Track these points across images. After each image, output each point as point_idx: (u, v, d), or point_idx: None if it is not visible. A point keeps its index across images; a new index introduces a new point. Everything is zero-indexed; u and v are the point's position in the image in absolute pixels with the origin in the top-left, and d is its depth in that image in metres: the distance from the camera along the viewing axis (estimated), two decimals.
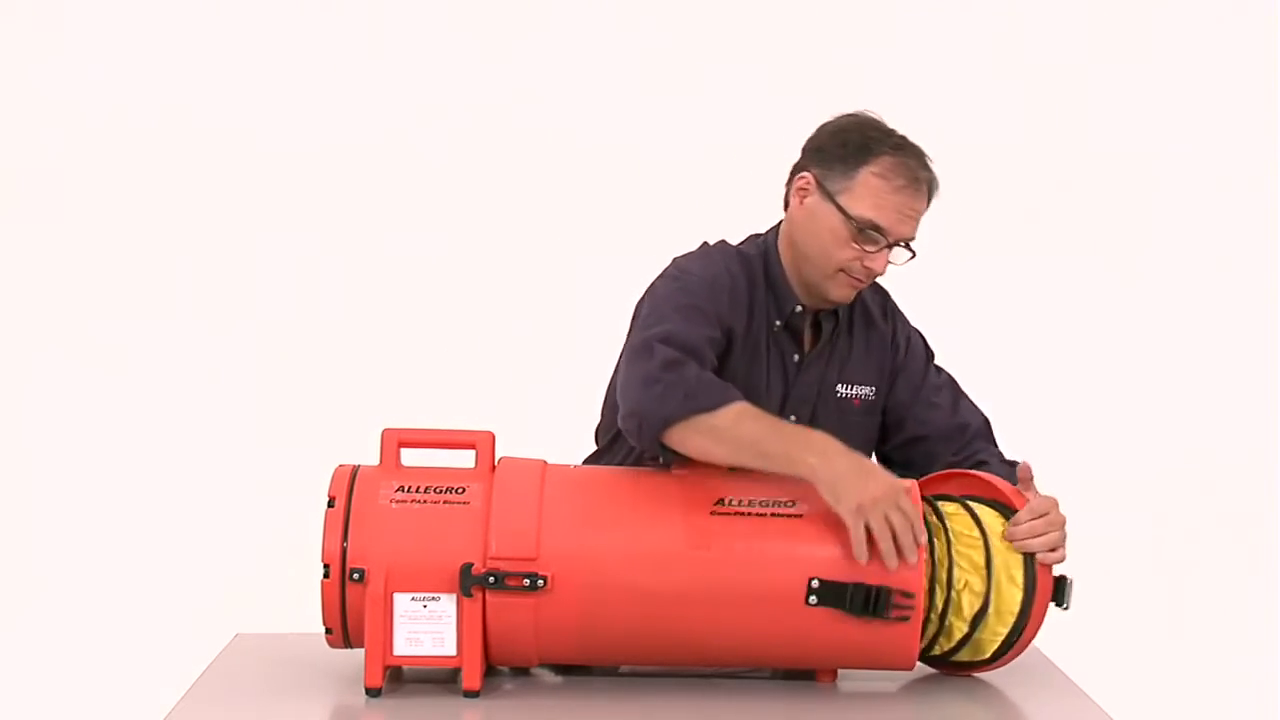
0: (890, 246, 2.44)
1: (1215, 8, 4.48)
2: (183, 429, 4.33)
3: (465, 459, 2.31)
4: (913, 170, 2.43)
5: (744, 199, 4.27)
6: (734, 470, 2.31)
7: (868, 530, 2.19)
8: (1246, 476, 4.42)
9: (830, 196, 2.44)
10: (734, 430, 2.26)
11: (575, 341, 4.32)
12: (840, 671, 2.36)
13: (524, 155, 4.38)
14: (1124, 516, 4.21)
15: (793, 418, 2.51)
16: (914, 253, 2.46)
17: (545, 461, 2.33)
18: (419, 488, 2.26)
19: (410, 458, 2.31)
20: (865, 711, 2.27)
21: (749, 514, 2.25)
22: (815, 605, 2.22)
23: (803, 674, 2.36)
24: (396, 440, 2.30)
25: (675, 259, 2.53)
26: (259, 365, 4.33)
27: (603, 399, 2.66)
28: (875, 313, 2.64)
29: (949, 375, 2.68)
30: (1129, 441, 4.43)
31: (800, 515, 2.26)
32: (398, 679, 2.33)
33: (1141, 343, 4.47)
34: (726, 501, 2.26)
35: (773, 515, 2.25)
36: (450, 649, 2.23)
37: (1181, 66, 4.49)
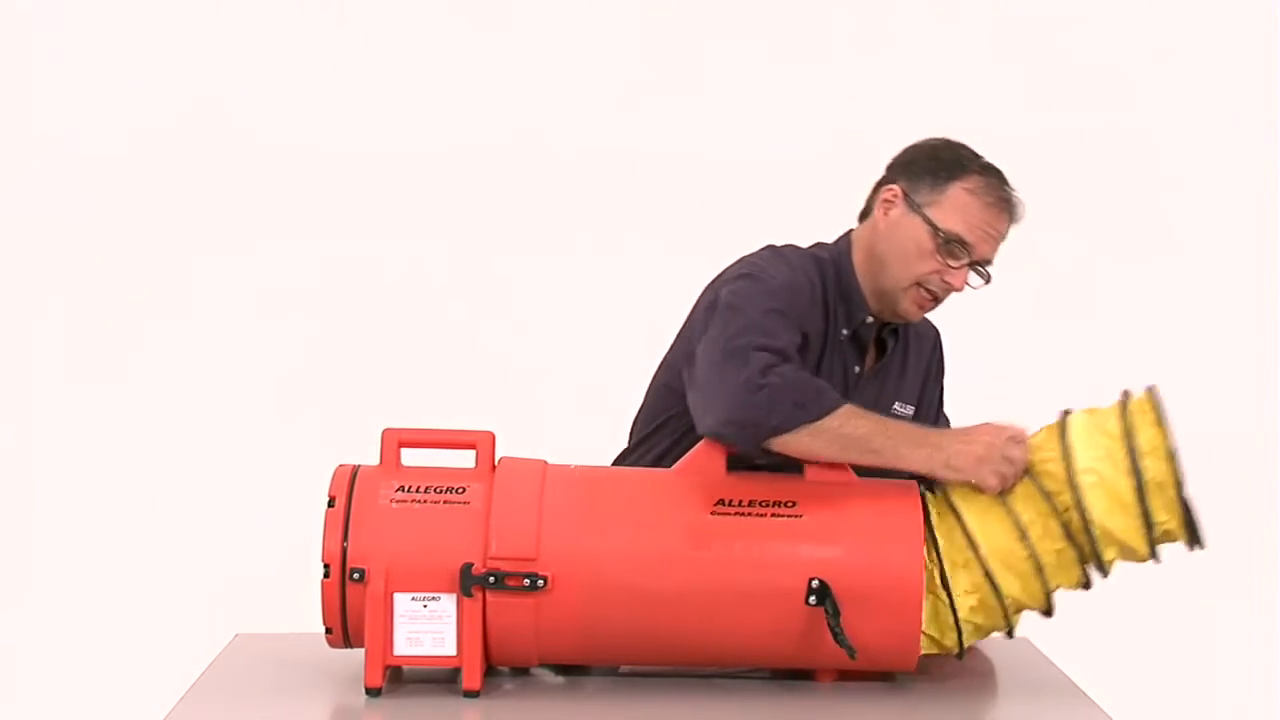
0: (971, 265, 2.45)
1: (1218, 7, 4.48)
2: (183, 429, 4.32)
3: (465, 459, 2.31)
4: (1002, 191, 2.45)
5: (745, 201, 4.30)
6: (733, 470, 2.31)
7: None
8: (1246, 476, 4.42)
9: (918, 208, 2.45)
10: (842, 430, 2.27)
11: (576, 342, 4.33)
12: (840, 671, 2.36)
13: (524, 155, 4.38)
14: None
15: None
16: (988, 279, 2.48)
17: (545, 461, 2.33)
18: (419, 488, 2.26)
19: (410, 458, 2.31)
20: (865, 711, 2.27)
21: (749, 514, 2.26)
22: (815, 605, 2.22)
23: (803, 674, 2.36)
24: (396, 440, 2.30)
25: (746, 259, 2.51)
26: (259, 365, 4.33)
27: (647, 388, 2.65)
28: (925, 330, 2.67)
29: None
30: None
31: (800, 515, 2.26)
32: (398, 679, 2.33)
33: (1140, 343, 4.47)
34: (726, 501, 2.27)
35: (773, 515, 2.26)
36: (450, 649, 2.23)
37: (1181, 66, 4.49)
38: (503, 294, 4.38)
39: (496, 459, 2.32)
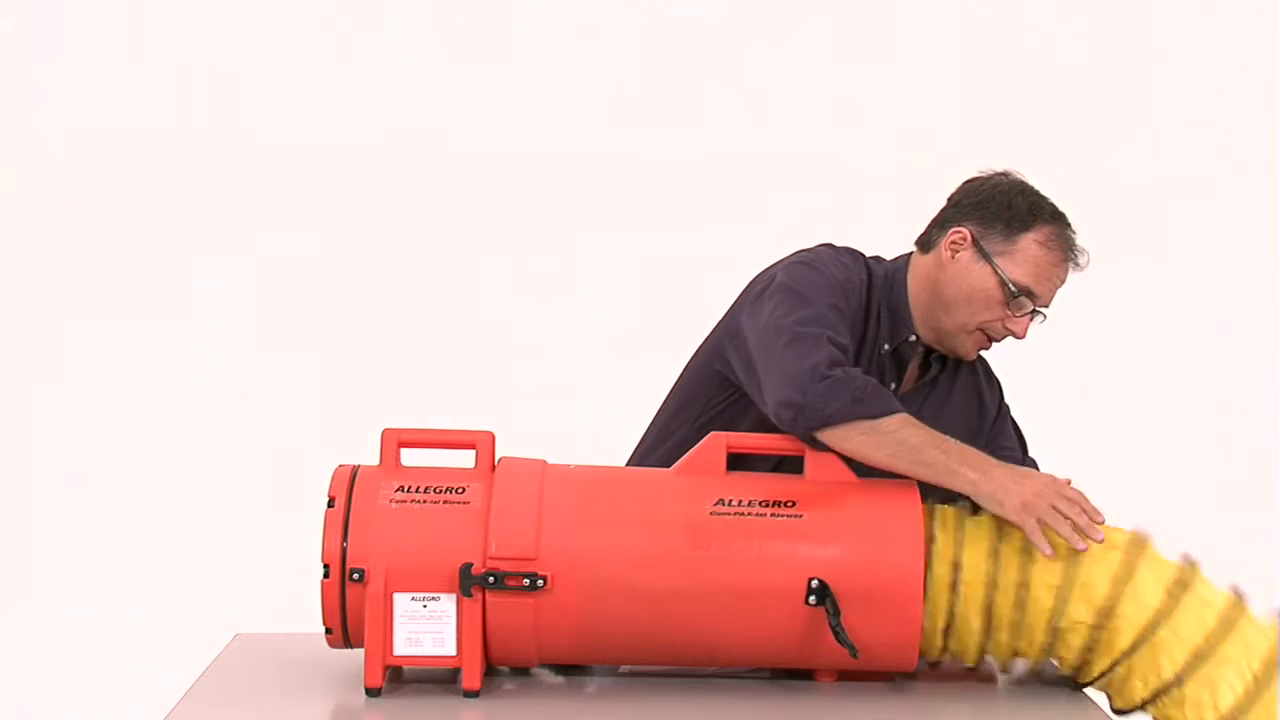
0: (1033, 313, 2.46)
1: (1217, 7, 4.48)
2: (183, 429, 4.33)
3: (465, 459, 2.31)
4: (1070, 242, 2.46)
5: (746, 203, 4.30)
6: (733, 470, 2.31)
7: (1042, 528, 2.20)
8: (1247, 477, 4.42)
9: (988, 257, 2.44)
10: (897, 435, 2.27)
11: (576, 342, 4.33)
12: (840, 672, 2.35)
13: (525, 156, 4.38)
14: (1124, 517, 4.21)
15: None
16: (1045, 317, 2.49)
17: (545, 461, 2.33)
18: (419, 488, 2.26)
19: (410, 458, 2.31)
20: (865, 711, 2.27)
21: (749, 514, 2.25)
22: (815, 605, 2.22)
23: (803, 674, 2.36)
24: (396, 440, 2.30)
25: (803, 250, 2.52)
26: (259, 365, 4.33)
27: (676, 378, 2.65)
28: (982, 376, 2.66)
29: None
30: (1128, 442, 4.43)
31: (800, 515, 2.26)
32: (398, 679, 2.33)
33: (1141, 342, 4.47)
34: (726, 501, 2.26)
35: (772, 515, 2.25)
36: (450, 649, 2.23)
37: (1182, 64, 4.49)
38: (502, 294, 4.38)
39: (496, 459, 2.32)
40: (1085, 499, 2.24)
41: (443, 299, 4.36)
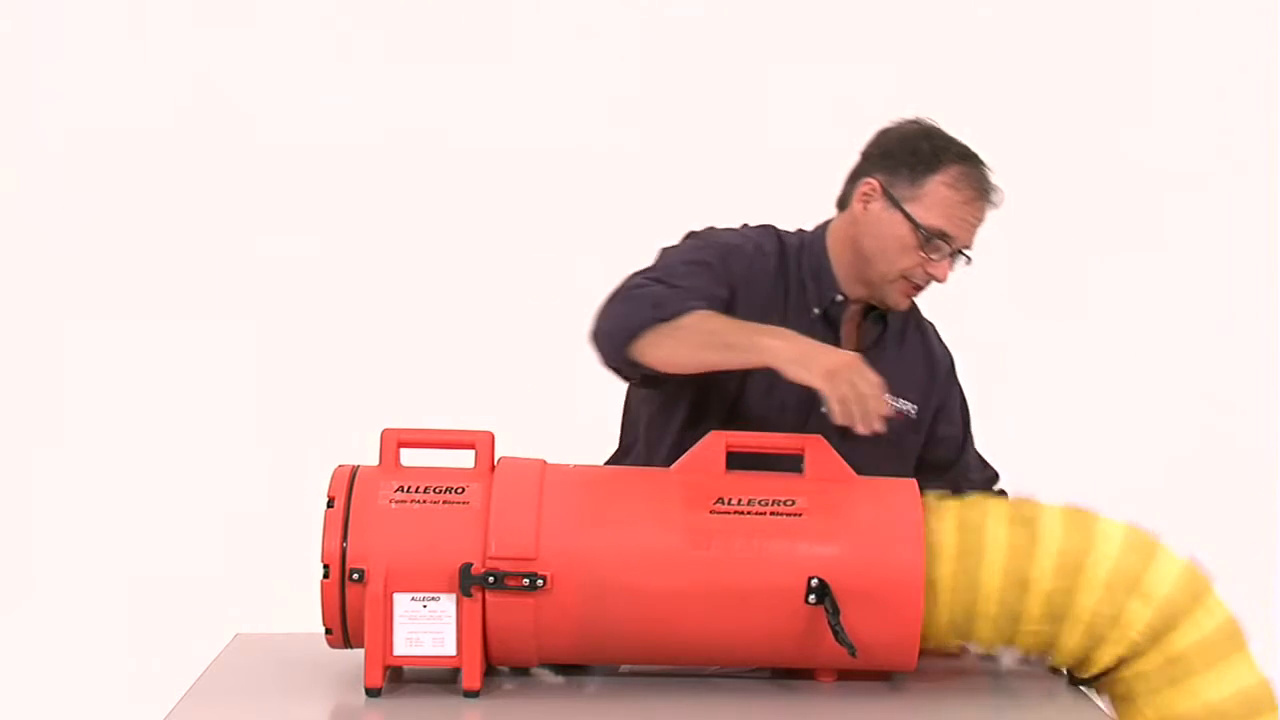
0: (954, 255, 2.45)
1: (1216, 7, 4.48)
2: (183, 429, 4.33)
3: (465, 459, 2.31)
4: (981, 181, 2.45)
5: (746, 203, 4.30)
6: (732, 469, 2.31)
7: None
8: (1248, 477, 4.42)
9: (897, 204, 2.45)
10: (698, 326, 2.29)
11: (575, 342, 4.31)
12: (840, 671, 2.35)
13: (525, 156, 4.38)
14: (1123, 517, 4.21)
15: (823, 409, 2.49)
16: (969, 261, 2.48)
17: (545, 461, 2.33)
18: (418, 488, 2.26)
19: (410, 458, 2.31)
20: (865, 711, 2.27)
21: (749, 513, 2.25)
22: (815, 604, 2.22)
23: (803, 674, 2.36)
24: (396, 440, 2.30)
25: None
26: (259, 365, 4.33)
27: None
28: (933, 338, 2.66)
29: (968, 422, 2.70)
30: (1127, 441, 4.42)
31: (799, 514, 2.26)
32: (398, 679, 2.33)
33: (1140, 343, 4.47)
34: (726, 500, 2.26)
35: (772, 515, 2.25)
36: (450, 649, 2.23)
37: (1182, 63, 4.49)
38: (502, 294, 4.38)
39: (496, 459, 2.32)
40: (881, 386, 2.22)
41: (443, 299, 4.36)
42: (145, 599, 4.26)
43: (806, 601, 2.22)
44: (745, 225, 2.59)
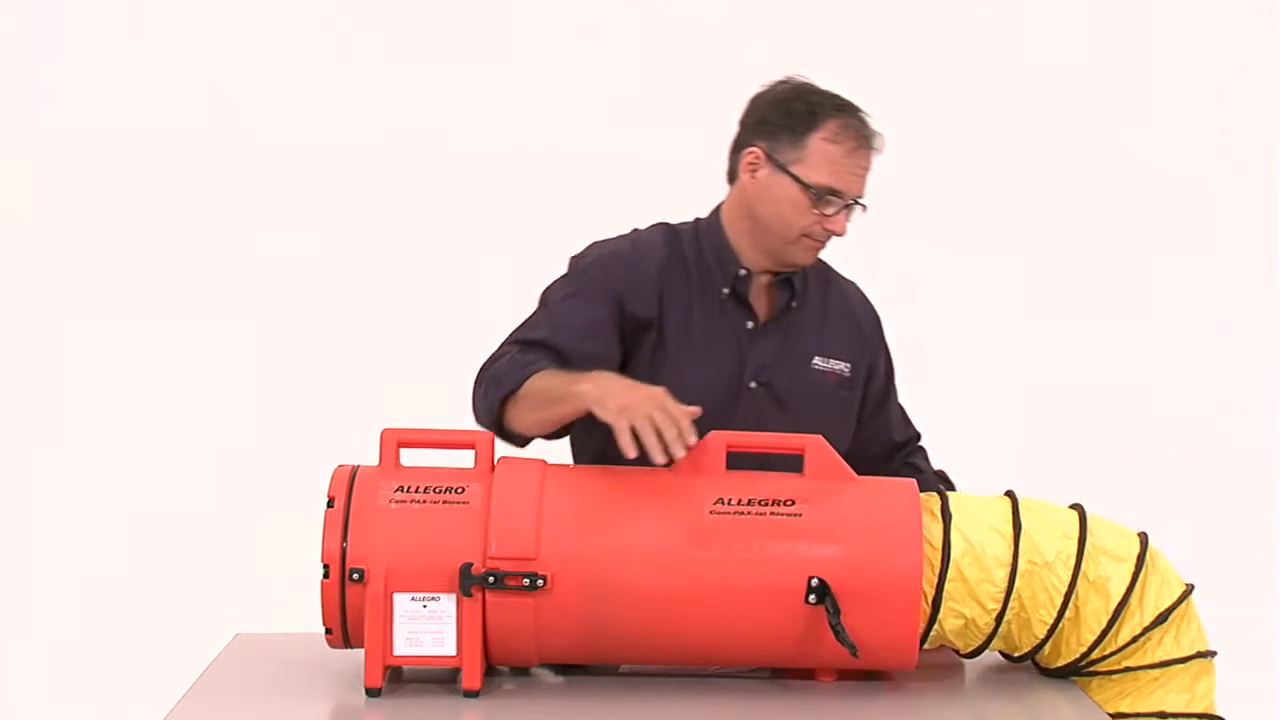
0: (848, 206, 2.45)
1: (1215, 7, 4.48)
2: (183, 429, 4.33)
3: (465, 459, 2.31)
4: (860, 129, 2.46)
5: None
6: (733, 468, 2.31)
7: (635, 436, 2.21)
8: (1248, 477, 4.42)
9: (783, 167, 2.46)
10: (532, 391, 2.34)
11: None
12: (840, 671, 2.35)
13: (525, 156, 4.38)
14: (1124, 517, 4.21)
15: (753, 384, 2.50)
16: (864, 208, 2.48)
17: (545, 461, 2.33)
18: (418, 488, 2.26)
19: (410, 458, 2.31)
20: (865, 711, 2.27)
21: (748, 514, 2.25)
22: (815, 604, 2.22)
23: (803, 674, 2.36)
24: (396, 440, 2.30)
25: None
26: (259, 365, 4.33)
27: None
28: (855, 298, 2.66)
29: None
30: (1127, 441, 4.42)
31: (799, 514, 2.26)
32: (398, 679, 2.33)
33: (1140, 342, 4.47)
34: (726, 500, 2.26)
35: (772, 515, 2.25)
36: (450, 649, 2.23)
37: (1182, 63, 4.49)
38: (503, 294, 4.37)
39: (495, 459, 2.32)
40: (684, 419, 2.22)
41: (443, 299, 4.36)
42: (145, 599, 4.26)
43: (806, 601, 2.22)
44: (635, 229, 2.62)
